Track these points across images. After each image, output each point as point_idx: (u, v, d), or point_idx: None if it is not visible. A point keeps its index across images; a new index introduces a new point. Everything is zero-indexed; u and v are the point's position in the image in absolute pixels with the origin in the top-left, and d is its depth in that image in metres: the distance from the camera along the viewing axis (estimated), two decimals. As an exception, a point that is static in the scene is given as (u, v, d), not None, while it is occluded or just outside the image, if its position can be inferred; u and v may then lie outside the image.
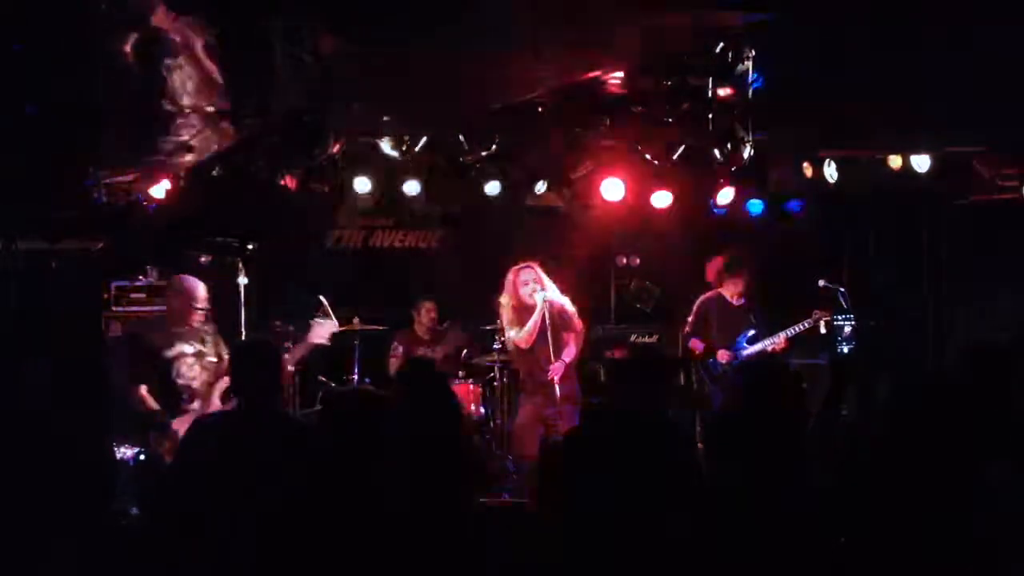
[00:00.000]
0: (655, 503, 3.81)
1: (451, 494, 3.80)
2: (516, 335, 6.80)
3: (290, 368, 6.19)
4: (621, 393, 4.24)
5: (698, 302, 7.94)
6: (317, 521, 3.61)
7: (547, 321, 6.67)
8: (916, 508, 3.19)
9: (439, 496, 3.74)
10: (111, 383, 6.66)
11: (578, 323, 6.92)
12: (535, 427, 6.71)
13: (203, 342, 5.96)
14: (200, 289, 6.01)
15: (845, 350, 7.00)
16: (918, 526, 3.17)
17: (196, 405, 5.79)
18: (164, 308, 6.44)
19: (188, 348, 5.91)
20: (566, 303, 6.87)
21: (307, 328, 5.98)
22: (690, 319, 7.96)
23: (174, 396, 5.81)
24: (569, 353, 6.80)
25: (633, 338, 9.00)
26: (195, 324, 5.98)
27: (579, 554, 3.78)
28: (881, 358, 7.40)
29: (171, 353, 5.88)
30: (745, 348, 7.65)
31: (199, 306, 5.97)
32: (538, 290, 6.75)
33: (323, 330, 6.13)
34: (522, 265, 6.91)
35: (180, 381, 5.87)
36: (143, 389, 5.80)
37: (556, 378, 6.65)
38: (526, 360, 6.86)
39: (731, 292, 7.84)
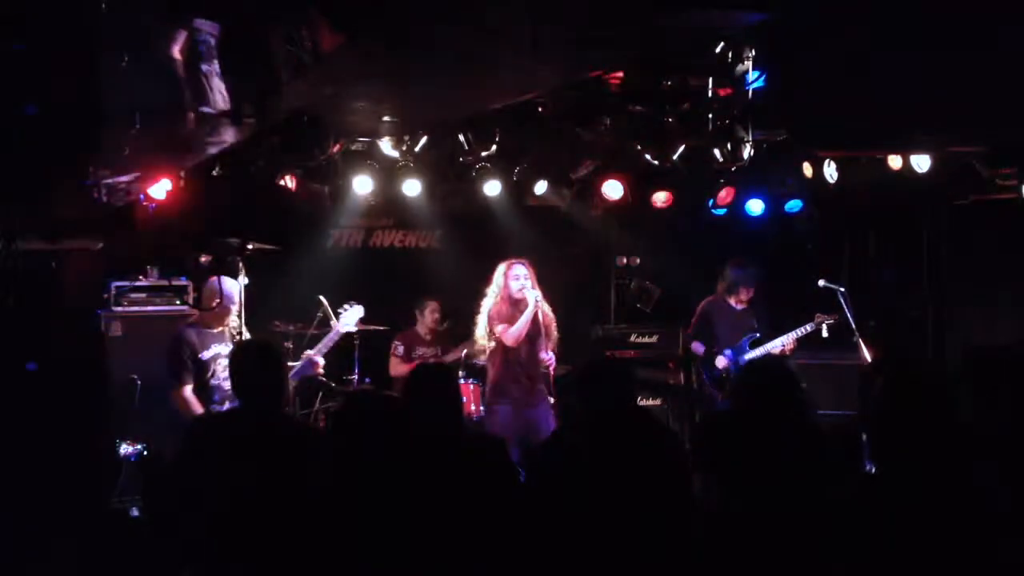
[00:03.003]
0: (647, 501, 3.81)
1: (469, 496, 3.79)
2: (503, 331, 6.70)
3: (320, 362, 6.24)
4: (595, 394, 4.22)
5: (700, 305, 7.94)
6: (318, 522, 3.61)
7: (539, 320, 6.64)
8: (920, 507, 3.19)
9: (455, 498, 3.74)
10: (111, 382, 6.68)
11: (555, 331, 6.87)
12: (515, 430, 6.61)
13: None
14: (234, 291, 6.01)
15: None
16: (922, 526, 3.17)
17: (226, 407, 5.74)
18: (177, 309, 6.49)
19: (224, 349, 5.89)
20: (548, 309, 6.84)
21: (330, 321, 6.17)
22: (692, 321, 7.96)
23: (206, 397, 5.79)
24: (550, 353, 6.75)
25: (633, 338, 9.00)
26: (230, 325, 5.99)
27: (573, 552, 3.79)
28: (881, 358, 7.39)
29: (207, 355, 5.87)
30: (748, 352, 7.64)
31: (235, 308, 5.99)
32: (529, 287, 6.72)
33: (350, 318, 6.36)
34: (515, 260, 6.89)
35: (213, 382, 5.84)
36: (188, 390, 5.77)
37: (552, 370, 6.62)
38: (507, 360, 6.75)
39: (736, 299, 7.83)
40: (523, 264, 6.85)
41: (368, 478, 3.60)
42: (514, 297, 6.74)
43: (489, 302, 6.84)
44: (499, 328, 6.71)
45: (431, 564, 3.58)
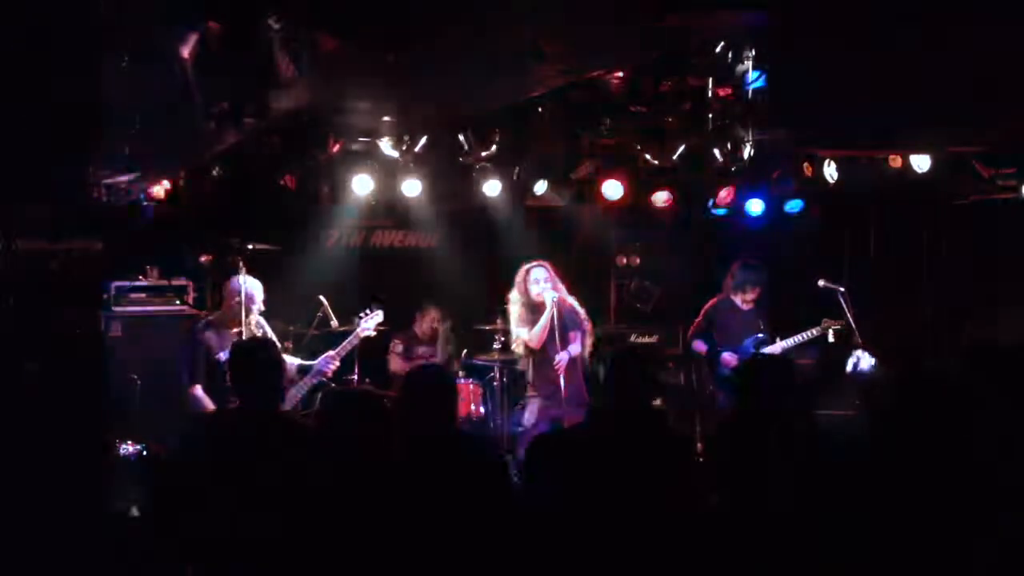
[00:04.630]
0: (645, 500, 3.81)
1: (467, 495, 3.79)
2: (526, 335, 6.79)
3: (336, 364, 6.33)
4: (609, 391, 4.20)
5: (707, 305, 7.92)
6: (318, 521, 3.61)
7: (555, 321, 6.68)
8: (919, 506, 3.19)
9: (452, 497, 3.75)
10: (111, 383, 6.67)
11: (587, 323, 6.94)
12: (542, 427, 6.68)
13: None
14: (258, 291, 6.05)
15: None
16: (922, 524, 3.17)
17: None
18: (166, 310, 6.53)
19: None
20: (574, 302, 6.90)
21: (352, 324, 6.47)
22: (697, 320, 7.95)
23: (222, 397, 5.80)
24: (575, 348, 6.80)
25: (633, 338, 9.00)
26: (248, 325, 6.01)
27: (574, 550, 3.78)
28: (882, 359, 7.40)
29: (224, 356, 5.88)
30: (752, 352, 7.62)
31: (255, 307, 6.03)
32: (548, 289, 6.76)
33: (371, 323, 6.53)
34: (533, 264, 6.92)
35: (229, 383, 5.86)
36: (199, 389, 5.79)
37: (562, 371, 6.64)
38: (536, 360, 6.85)
39: (742, 298, 7.81)
40: (542, 267, 6.88)
41: (359, 477, 3.61)
42: (534, 301, 6.80)
43: (513, 309, 6.89)
44: (522, 333, 6.77)
45: (426, 564, 3.58)
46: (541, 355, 6.80)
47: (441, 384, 4.07)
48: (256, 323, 6.10)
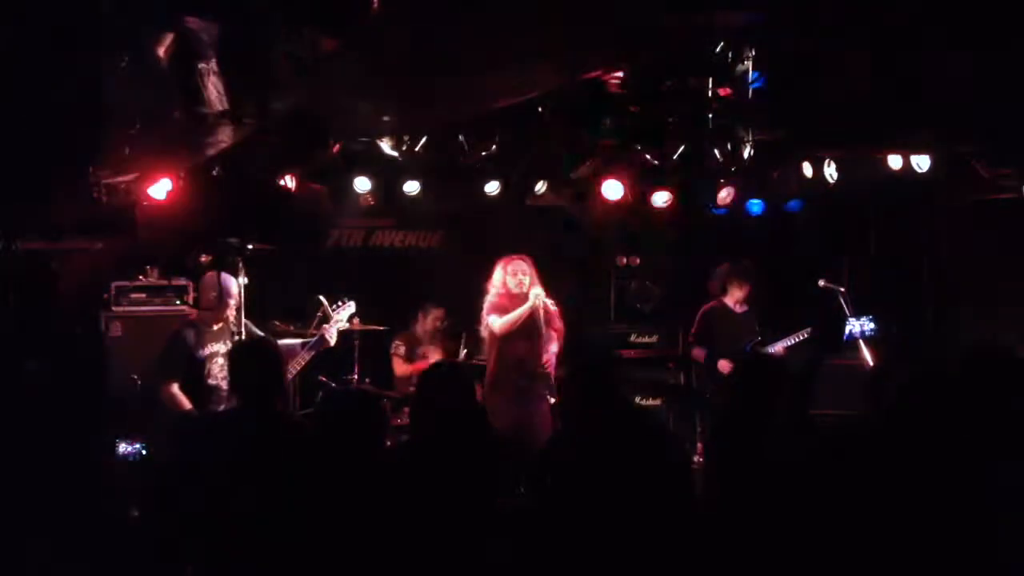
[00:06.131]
0: (643, 501, 3.81)
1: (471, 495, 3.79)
2: (495, 322, 6.72)
3: (335, 335, 6.40)
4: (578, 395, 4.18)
5: (701, 311, 7.94)
6: (316, 521, 3.61)
7: (538, 317, 6.64)
8: (920, 507, 3.19)
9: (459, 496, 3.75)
10: (110, 383, 6.68)
11: (560, 322, 6.89)
12: (508, 426, 6.58)
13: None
14: (232, 285, 6.02)
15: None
16: (923, 525, 3.17)
17: (223, 406, 5.73)
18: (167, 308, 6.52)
19: (222, 348, 5.89)
20: (549, 302, 6.86)
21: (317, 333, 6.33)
22: (694, 328, 7.96)
23: (202, 396, 5.78)
24: (554, 348, 6.77)
25: (633, 338, 9.00)
26: (228, 321, 6.00)
27: (571, 553, 3.78)
28: (882, 359, 7.39)
29: (204, 352, 5.85)
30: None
31: (234, 302, 6.00)
32: (527, 283, 6.74)
33: (343, 313, 6.52)
34: (514, 257, 6.91)
35: (210, 381, 5.82)
36: (175, 387, 5.77)
37: (552, 368, 6.62)
38: (503, 356, 6.76)
39: (734, 300, 7.82)
40: (522, 260, 6.87)
41: (357, 476, 3.61)
42: (512, 292, 6.76)
43: (489, 298, 6.86)
44: (490, 319, 6.74)
45: (425, 564, 3.58)
46: (510, 352, 6.72)
47: (455, 383, 4.06)
48: (233, 319, 6.05)
